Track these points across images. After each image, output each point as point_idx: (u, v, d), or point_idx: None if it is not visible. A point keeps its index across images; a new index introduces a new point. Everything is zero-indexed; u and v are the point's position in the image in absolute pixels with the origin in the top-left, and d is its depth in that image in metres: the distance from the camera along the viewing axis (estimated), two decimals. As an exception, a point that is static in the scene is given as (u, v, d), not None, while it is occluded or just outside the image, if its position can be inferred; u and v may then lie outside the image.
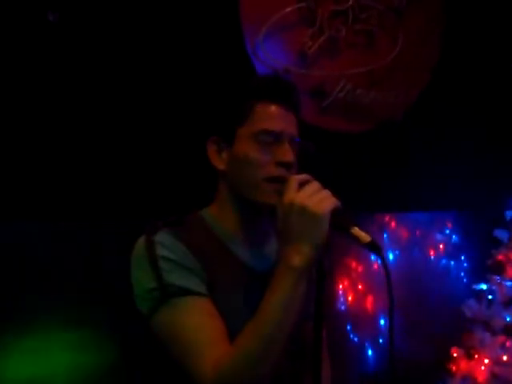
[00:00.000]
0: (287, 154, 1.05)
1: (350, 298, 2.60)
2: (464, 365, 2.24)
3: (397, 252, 2.71)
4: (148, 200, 2.00)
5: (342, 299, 2.58)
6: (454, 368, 2.30)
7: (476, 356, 2.20)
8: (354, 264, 2.63)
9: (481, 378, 2.18)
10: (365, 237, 0.93)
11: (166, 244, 1.02)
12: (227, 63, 2.15)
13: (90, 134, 1.94)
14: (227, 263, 1.08)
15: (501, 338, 2.19)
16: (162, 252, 1.01)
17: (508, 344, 2.16)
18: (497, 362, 2.18)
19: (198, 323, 0.98)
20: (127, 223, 1.66)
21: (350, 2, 2.45)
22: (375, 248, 0.92)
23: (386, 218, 2.73)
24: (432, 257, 2.85)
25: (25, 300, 1.83)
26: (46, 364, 1.85)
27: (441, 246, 2.87)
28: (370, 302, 2.64)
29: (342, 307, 2.59)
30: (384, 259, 0.91)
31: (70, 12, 1.87)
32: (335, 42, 2.45)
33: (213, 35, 2.14)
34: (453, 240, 2.90)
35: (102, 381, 1.92)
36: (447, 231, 2.89)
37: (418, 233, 2.79)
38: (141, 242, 1.05)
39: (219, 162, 1.11)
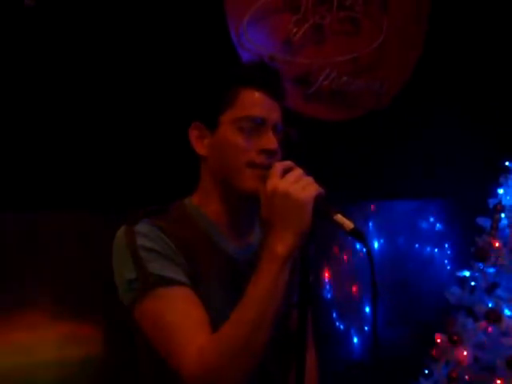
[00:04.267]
0: (270, 142, 1.04)
1: (335, 286, 2.61)
2: (447, 350, 2.26)
3: (381, 240, 2.73)
4: (131, 189, 1.98)
5: (327, 287, 2.60)
6: (437, 353, 2.33)
7: (459, 341, 2.22)
8: (339, 252, 2.64)
9: (463, 362, 2.21)
10: (348, 224, 0.92)
11: (147, 234, 1.01)
12: (212, 51, 2.12)
13: (71, 123, 1.91)
14: (209, 254, 1.07)
15: (483, 324, 2.22)
16: (142, 242, 1.00)
17: (490, 329, 2.19)
18: (479, 346, 2.21)
19: (180, 312, 0.97)
20: (115, 213, 1.63)
21: (335, -11, 2.43)
22: (358, 235, 0.92)
23: (371, 207, 2.74)
24: (416, 245, 2.87)
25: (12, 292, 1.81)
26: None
27: (425, 234, 2.89)
28: (355, 289, 2.66)
29: (328, 295, 2.60)
30: (367, 245, 0.91)
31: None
32: (320, 29, 2.43)
33: (197, 23, 2.12)
34: (437, 228, 2.92)
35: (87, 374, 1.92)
36: (431, 219, 2.91)
37: (402, 221, 2.81)
38: (121, 232, 1.04)
39: (201, 147, 1.10)
